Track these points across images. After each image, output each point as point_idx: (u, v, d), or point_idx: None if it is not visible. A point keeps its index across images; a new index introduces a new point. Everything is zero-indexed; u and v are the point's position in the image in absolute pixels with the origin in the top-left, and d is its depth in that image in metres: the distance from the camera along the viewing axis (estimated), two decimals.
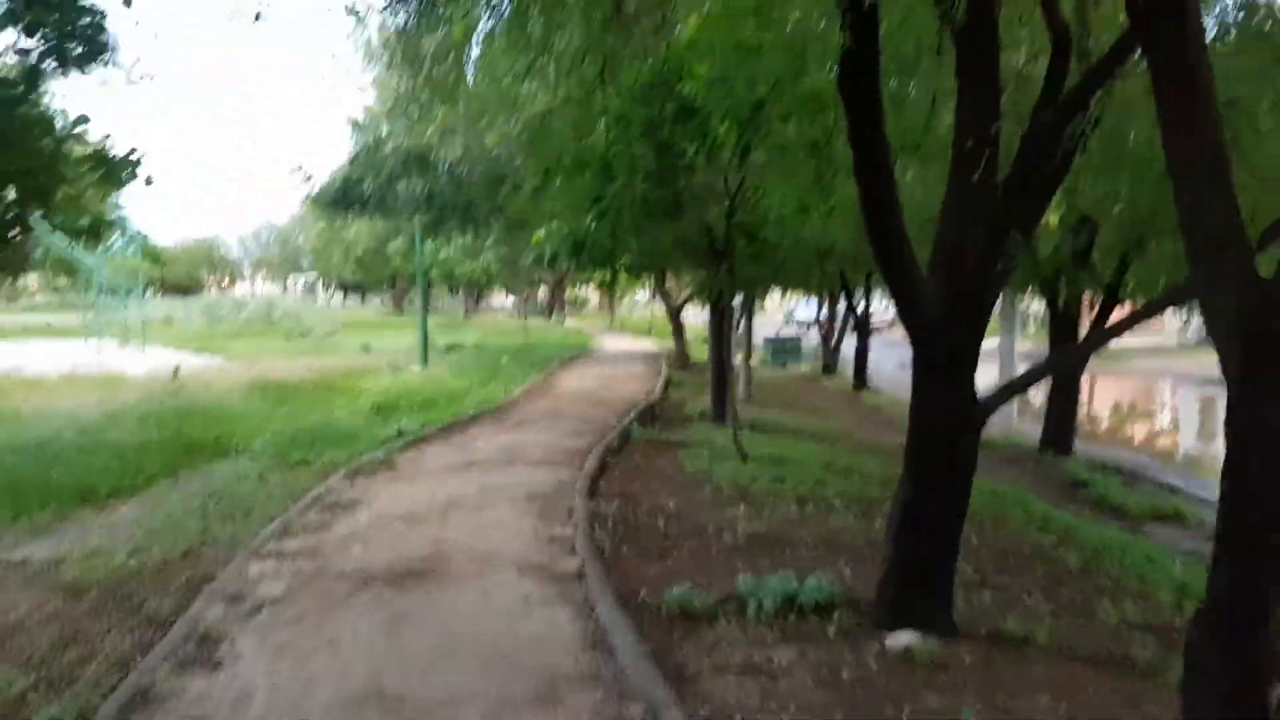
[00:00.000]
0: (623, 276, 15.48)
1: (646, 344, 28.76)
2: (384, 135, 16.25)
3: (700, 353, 21.64)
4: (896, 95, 5.78)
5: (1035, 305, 15.29)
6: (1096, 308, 13.18)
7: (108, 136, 3.15)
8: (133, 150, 3.18)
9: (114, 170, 2.98)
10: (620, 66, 5.63)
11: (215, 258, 71.12)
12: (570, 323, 41.62)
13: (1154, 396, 23.44)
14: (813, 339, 28.57)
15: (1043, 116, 4.10)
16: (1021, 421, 17.35)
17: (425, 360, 17.87)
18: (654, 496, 7.24)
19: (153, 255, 31.61)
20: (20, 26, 2.65)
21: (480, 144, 12.45)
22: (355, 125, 18.54)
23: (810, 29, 5.02)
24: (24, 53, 2.81)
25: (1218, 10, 5.11)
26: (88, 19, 2.78)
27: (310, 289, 62.64)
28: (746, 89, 6.65)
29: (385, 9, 4.48)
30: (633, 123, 8.22)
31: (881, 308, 26.66)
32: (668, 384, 16.54)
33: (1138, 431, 18.59)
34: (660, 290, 21.62)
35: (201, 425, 9.72)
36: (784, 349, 27.06)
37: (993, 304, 4.68)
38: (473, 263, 31.90)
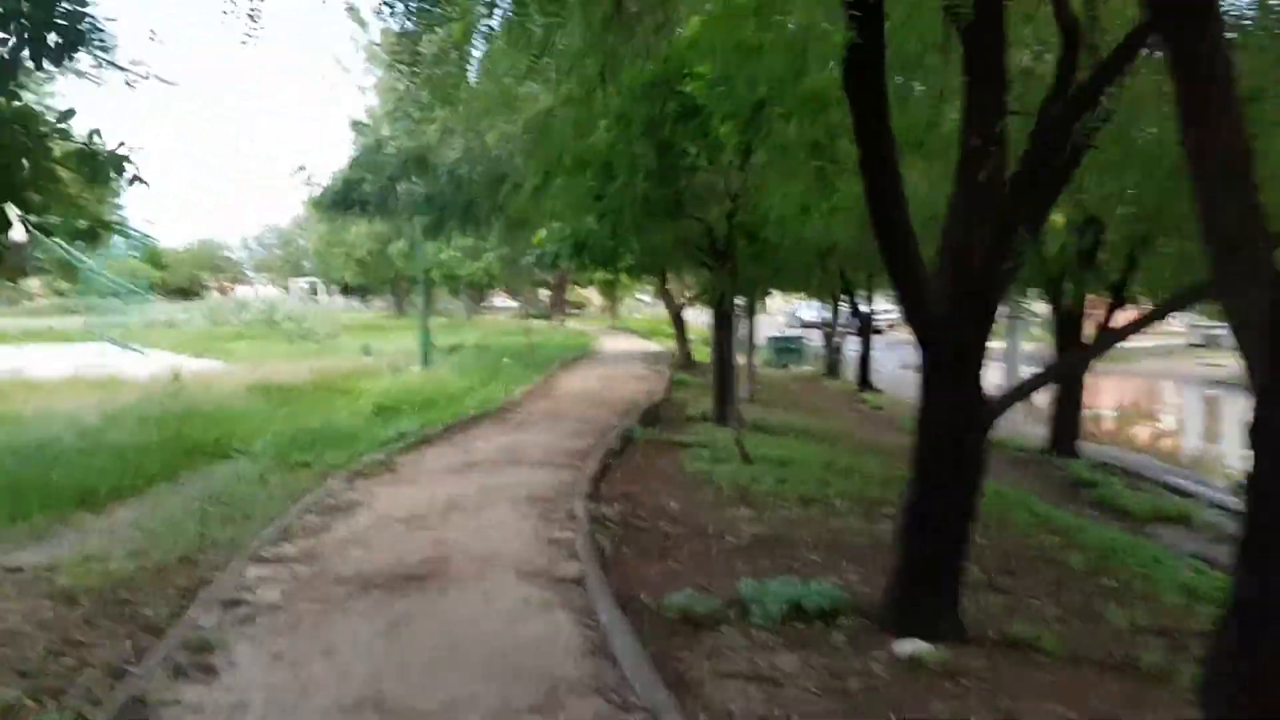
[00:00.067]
0: (624, 277, 15.45)
1: (649, 345, 28.70)
2: (385, 136, 16.21)
3: (703, 354, 21.60)
4: (901, 92, 5.73)
5: (1039, 307, 15.22)
6: (1105, 309, 13.10)
7: (95, 132, 3.06)
8: (120, 145, 3.09)
9: (99, 168, 2.90)
10: (621, 66, 5.57)
11: (217, 260, 71.07)
12: (572, 324, 41.56)
13: (1159, 397, 23.34)
14: (815, 340, 28.56)
15: (1052, 110, 4.06)
16: (1027, 423, 17.27)
17: (426, 361, 17.83)
18: (655, 498, 7.19)
19: (154, 258, 31.59)
20: None
21: (481, 144, 12.40)
22: (358, 127, 18.50)
23: (812, 29, 4.97)
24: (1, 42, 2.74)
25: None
26: (66, 6, 2.70)
27: (312, 291, 62.54)
28: (748, 89, 6.60)
29: (383, 6, 4.42)
30: (634, 122, 8.17)
31: (882, 309, 26.67)
32: (671, 385, 16.48)
33: (1141, 432, 18.51)
34: (663, 291, 21.61)
35: (202, 427, 9.67)
36: (787, 349, 27.09)
37: (999, 302, 4.64)
38: (474, 264, 31.90)
